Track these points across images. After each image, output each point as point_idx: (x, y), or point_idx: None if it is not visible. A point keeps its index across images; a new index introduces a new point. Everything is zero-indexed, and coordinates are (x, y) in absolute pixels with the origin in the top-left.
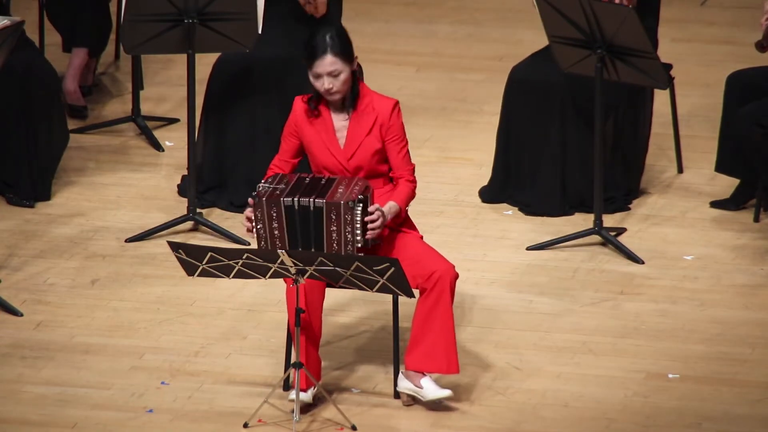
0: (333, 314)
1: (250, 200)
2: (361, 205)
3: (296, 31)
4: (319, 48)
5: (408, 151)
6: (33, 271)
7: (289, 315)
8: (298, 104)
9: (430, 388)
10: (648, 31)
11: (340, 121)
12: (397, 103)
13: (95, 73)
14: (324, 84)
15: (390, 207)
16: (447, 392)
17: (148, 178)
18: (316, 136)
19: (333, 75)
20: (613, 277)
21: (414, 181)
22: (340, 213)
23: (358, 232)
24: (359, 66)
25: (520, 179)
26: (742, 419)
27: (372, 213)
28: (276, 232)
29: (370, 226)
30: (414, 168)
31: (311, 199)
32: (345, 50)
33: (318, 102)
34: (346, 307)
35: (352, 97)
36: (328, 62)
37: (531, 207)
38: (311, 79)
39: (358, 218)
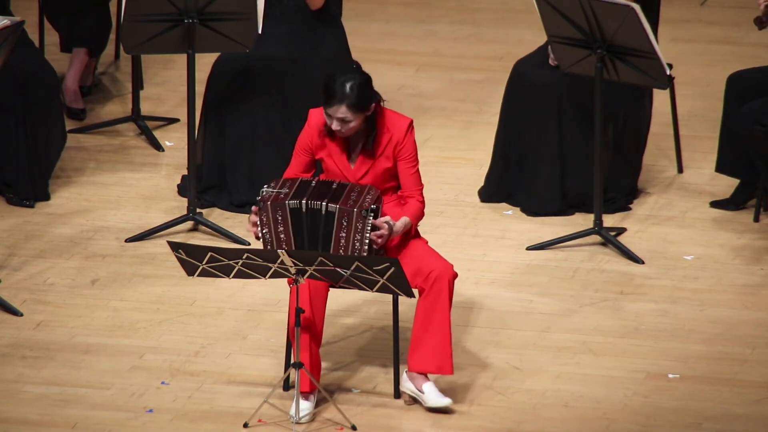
0: (333, 315)
1: (254, 208)
2: (372, 214)
3: (297, 31)
4: (336, 97)
5: (418, 170)
6: (33, 271)
7: (291, 316)
8: (313, 117)
9: (431, 395)
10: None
11: (353, 142)
12: (411, 122)
13: (95, 73)
14: (333, 125)
15: (405, 223)
16: (447, 401)
17: (148, 178)
18: (327, 152)
19: (343, 121)
20: (613, 277)
21: (423, 202)
22: (352, 220)
23: (367, 240)
24: (379, 97)
25: (519, 179)
26: (742, 419)
27: (380, 224)
28: (282, 235)
29: (375, 234)
30: (423, 188)
31: (323, 203)
32: (360, 104)
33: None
34: (346, 308)
35: (368, 140)
36: (341, 112)
37: (530, 207)
38: (324, 112)
39: (369, 227)
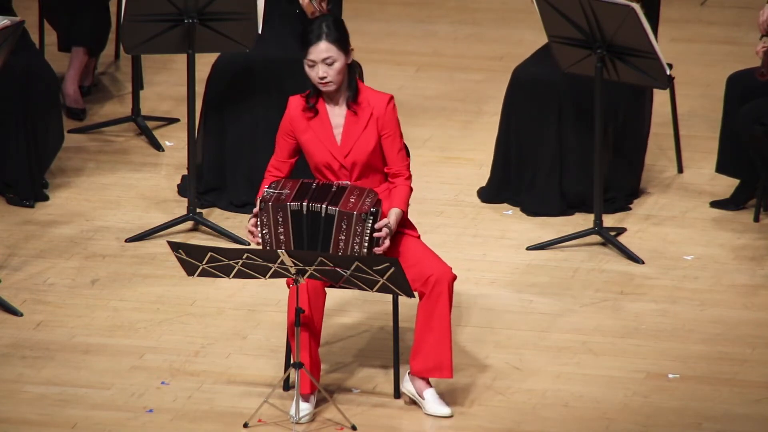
0: (333, 315)
1: (254, 210)
2: (372, 218)
3: (297, 32)
4: (314, 34)
5: (404, 145)
6: (33, 271)
7: (290, 316)
8: (293, 103)
9: (431, 403)
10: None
11: (336, 117)
12: (392, 97)
13: (95, 73)
14: (318, 72)
15: (397, 215)
16: (447, 411)
17: (148, 178)
18: (312, 133)
19: (327, 63)
20: (613, 277)
21: (410, 177)
22: (352, 223)
23: (366, 244)
24: (359, 66)
25: (519, 179)
26: (742, 419)
27: (379, 230)
28: (282, 237)
29: (377, 249)
30: (409, 163)
31: (323, 206)
32: (340, 39)
33: (317, 98)
34: (346, 308)
35: (351, 93)
36: (323, 49)
37: (530, 207)
38: (306, 68)
39: (368, 231)
